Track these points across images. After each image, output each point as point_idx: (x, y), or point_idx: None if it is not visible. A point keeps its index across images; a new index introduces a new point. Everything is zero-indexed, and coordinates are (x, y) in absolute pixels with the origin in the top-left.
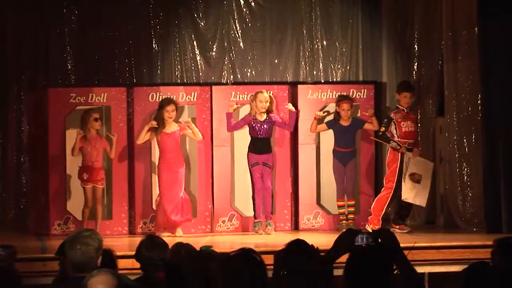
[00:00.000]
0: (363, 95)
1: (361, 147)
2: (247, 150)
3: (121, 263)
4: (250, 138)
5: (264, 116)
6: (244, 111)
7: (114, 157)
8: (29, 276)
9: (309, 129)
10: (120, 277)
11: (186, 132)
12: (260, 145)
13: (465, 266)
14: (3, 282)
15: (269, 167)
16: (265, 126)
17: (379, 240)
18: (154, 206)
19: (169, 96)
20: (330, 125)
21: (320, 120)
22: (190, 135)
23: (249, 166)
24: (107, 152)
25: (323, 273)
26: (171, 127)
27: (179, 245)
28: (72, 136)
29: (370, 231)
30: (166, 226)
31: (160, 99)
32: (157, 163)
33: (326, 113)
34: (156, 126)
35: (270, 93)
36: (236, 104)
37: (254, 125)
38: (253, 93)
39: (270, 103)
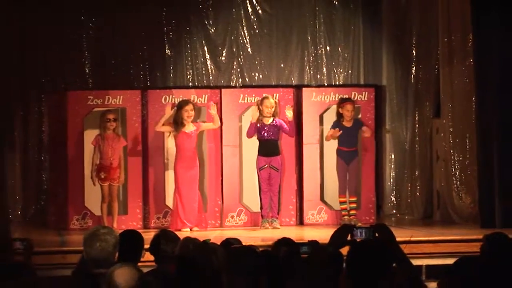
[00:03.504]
0: (364, 98)
1: (363, 146)
2: (257, 153)
3: None
4: (258, 142)
5: (270, 120)
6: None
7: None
8: (49, 268)
9: (313, 130)
10: (142, 272)
11: (204, 127)
12: (267, 147)
13: None
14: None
15: (276, 170)
16: (271, 129)
17: (376, 234)
18: (170, 203)
19: (187, 98)
20: (334, 126)
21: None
22: (210, 126)
23: (257, 169)
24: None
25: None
26: (189, 127)
27: (187, 240)
28: (89, 136)
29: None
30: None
31: (178, 101)
32: (172, 162)
33: (341, 132)
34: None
35: (275, 97)
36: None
37: (260, 128)
38: (260, 98)
39: (275, 108)
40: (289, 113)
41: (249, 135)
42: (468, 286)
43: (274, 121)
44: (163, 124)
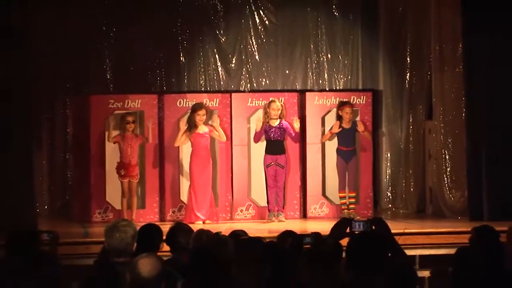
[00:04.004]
0: (362, 101)
1: (362, 146)
2: (264, 152)
3: None
4: (265, 142)
5: (277, 122)
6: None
7: (150, 142)
8: (73, 257)
9: (315, 131)
10: (164, 262)
11: (213, 134)
12: (274, 147)
13: (450, 249)
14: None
15: (282, 167)
16: (277, 130)
17: (373, 227)
18: (185, 198)
19: (199, 102)
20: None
21: (331, 136)
22: (216, 137)
23: (264, 166)
24: (143, 145)
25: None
26: (203, 128)
27: (200, 232)
28: (110, 137)
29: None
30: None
31: (192, 104)
32: (186, 161)
33: (341, 129)
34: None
35: (281, 101)
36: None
37: (268, 130)
38: (267, 102)
39: (281, 110)
40: (297, 125)
41: (256, 141)
42: (460, 274)
43: (281, 123)
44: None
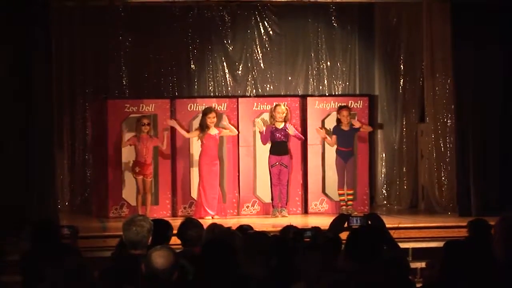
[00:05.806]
0: (359, 105)
1: (359, 147)
2: (269, 152)
3: None
4: (270, 142)
5: (282, 125)
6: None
7: (165, 148)
8: (91, 250)
9: (316, 133)
10: (177, 254)
11: (224, 133)
12: (278, 148)
13: (441, 242)
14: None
15: (285, 167)
16: (282, 132)
17: (369, 222)
18: (195, 195)
19: (210, 106)
20: (334, 129)
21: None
22: (228, 133)
23: (269, 166)
24: (159, 148)
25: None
26: (213, 131)
27: (213, 226)
28: (126, 138)
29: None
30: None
31: (203, 108)
32: (196, 160)
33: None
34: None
35: (285, 104)
36: (262, 121)
37: (274, 131)
38: (273, 106)
39: (286, 113)
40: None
41: (264, 143)
42: (455, 266)
43: (285, 126)
44: (188, 131)
